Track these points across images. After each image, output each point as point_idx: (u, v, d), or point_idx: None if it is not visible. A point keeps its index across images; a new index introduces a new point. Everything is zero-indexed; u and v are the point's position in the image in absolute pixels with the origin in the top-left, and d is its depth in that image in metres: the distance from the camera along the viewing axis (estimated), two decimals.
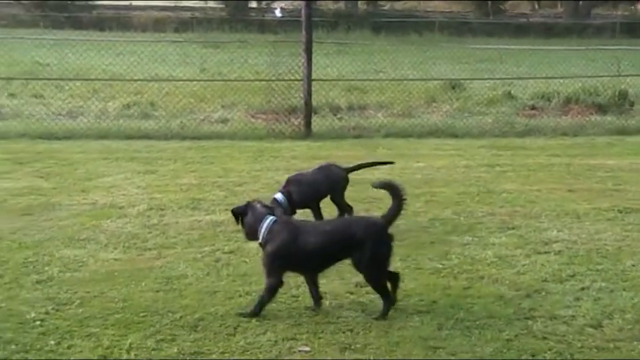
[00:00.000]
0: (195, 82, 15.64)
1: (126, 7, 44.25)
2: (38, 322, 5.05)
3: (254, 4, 46.58)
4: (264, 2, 46.50)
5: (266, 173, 9.68)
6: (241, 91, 15.15)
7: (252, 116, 13.82)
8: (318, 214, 7.14)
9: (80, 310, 5.26)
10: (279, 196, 6.89)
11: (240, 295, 5.53)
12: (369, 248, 5.08)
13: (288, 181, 7.11)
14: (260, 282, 5.74)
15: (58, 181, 8.97)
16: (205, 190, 8.43)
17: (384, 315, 5.16)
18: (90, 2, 41.36)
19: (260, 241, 5.23)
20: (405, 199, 5.28)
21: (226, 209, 7.79)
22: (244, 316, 5.12)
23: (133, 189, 8.67)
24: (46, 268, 6.07)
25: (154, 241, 6.82)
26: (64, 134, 11.86)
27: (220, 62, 21.09)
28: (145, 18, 39.35)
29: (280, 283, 5.19)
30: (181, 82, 15.66)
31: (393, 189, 5.33)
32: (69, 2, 40.18)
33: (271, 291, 5.17)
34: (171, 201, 8.15)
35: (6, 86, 15.43)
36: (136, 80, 15.57)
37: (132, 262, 6.27)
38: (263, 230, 5.21)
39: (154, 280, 5.83)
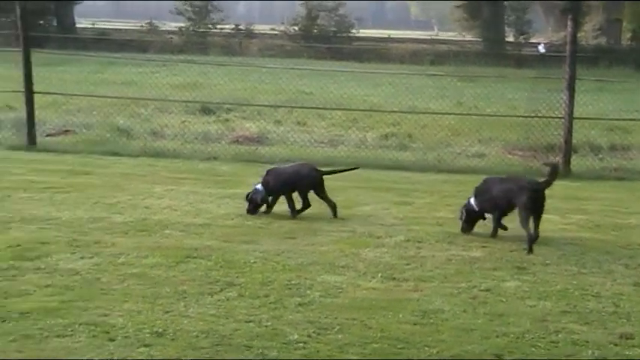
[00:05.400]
0: (451, 116, 15.67)
1: (384, 39, 45.22)
2: (301, 344, 5.26)
3: (511, 39, 46.03)
4: (522, 37, 45.81)
5: None
6: (498, 126, 15.01)
7: (509, 152, 13.64)
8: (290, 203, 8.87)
9: (340, 336, 5.41)
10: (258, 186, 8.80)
11: (497, 336, 5.46)
12: None
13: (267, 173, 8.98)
14: (518, 323, 5.66)
15: (318, 207, 9.30)
16: None
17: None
18: (350, 35, 42.66)
19: None
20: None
21: (483, 246, 7.78)
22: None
23: (390, 219, 8.82)
24: (308, 292, 6.30)
25: (410, 272, 6.90)
26: (325, 161, 12.28)
27: (476, 96, 20.94)
28: (403, 50, 40.01)
29: None
30: (438, 115, 15.75)
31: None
32: (331, 35, 41.71)
33: None
34: (428, 234, 8.20)
35: (273, 113, 16.26)
36: (393, 112, 15.87)
37: (389, 292, 6.38)
38: None
39: (411, 313, 5.89)
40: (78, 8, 45.63)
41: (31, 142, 12.72)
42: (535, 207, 7.67)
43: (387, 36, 47.37)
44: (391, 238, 7.98)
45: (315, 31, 41.93)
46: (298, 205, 8.88)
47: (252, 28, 44.31)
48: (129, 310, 5.74)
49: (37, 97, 13.06)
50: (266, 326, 5.56)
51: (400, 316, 5.82)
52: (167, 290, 6.18)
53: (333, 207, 8.92)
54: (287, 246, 7.59)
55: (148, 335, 5.30)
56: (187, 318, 5.64)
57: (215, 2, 43.88)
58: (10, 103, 15.52)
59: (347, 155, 12.76)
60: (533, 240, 7.58)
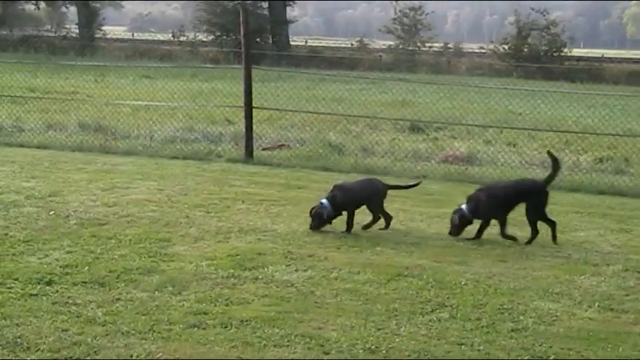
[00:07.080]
0: None
1: (597, 59, 43.65)
2: None
3: None
4: None
5: None
6: None
7: None
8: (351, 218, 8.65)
9: None
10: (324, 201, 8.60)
11: None
12: None
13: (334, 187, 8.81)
14: None
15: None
16: None
17: None
18: (562, 54, 41.53)
19: None
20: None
21: None
22: None
23: (606, 247, 8.48)
24: (521, 318, 6.17)
25: (630, 304, 6.59)
26: None
27: None
28: (618, 70, 38.52)
29: None
30: None
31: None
32: (542, 54, 40.76)
33: None
34: None
35: (483, 133, 16.09)
36: (609, 134, 15.28)
37: (607, 323, 6.13)
38: None
39: (632, 347, 5.63)
40: (292, 27, 47.23)
41: (249, 156, 13.21)
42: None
43: (600, 55, 45.71)
44: (608, 267, 7.67)
45: (526, 50, 41.11)
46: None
47: (460, 46, 44.21)
48: (342, 324, 5.84)
49: (254, 112, 13.58)
50: (479, 350, 5.50)
51: (620, 350, 5.58)
52: (379, 307, 6.24)
53: (387, 222, 8.84)
54: (499, 269, 7.47)
55: (361, 351, 5.38)
56: (399, 336, 5.67)
57: (425, 20, 44.12)
58: (229, 117, 16.27)
59: (560, 178, 12.33)
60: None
